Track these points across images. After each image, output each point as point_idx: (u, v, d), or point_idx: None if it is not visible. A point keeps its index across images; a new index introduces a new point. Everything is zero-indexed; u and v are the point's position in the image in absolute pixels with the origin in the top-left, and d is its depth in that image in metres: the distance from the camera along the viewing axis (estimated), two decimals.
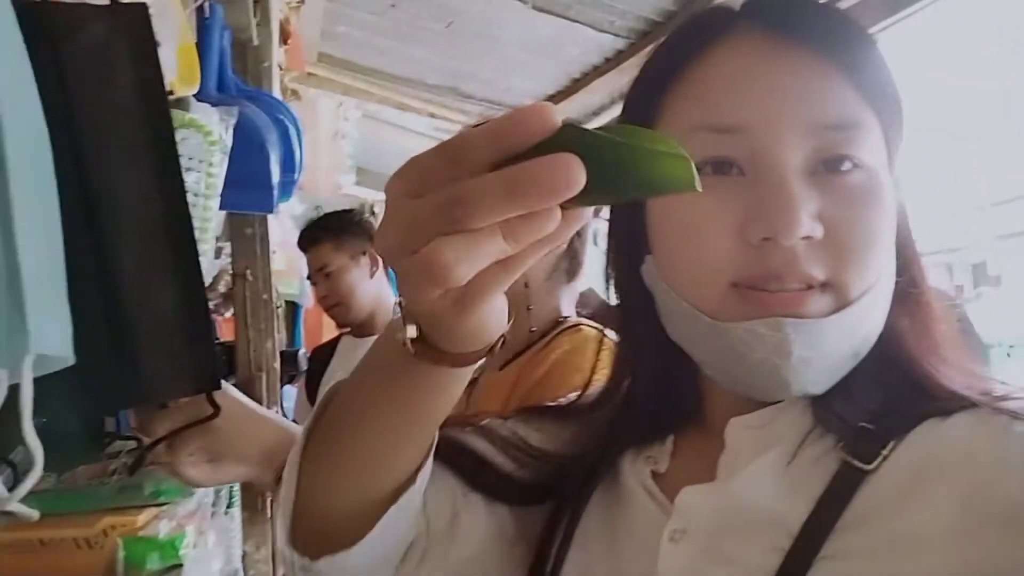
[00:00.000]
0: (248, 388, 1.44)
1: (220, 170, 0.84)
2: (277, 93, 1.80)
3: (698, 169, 0.49)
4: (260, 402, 1.45)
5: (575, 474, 0.61)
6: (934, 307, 0.56)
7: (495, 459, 0.63)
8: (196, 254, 0.51)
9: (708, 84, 0.52)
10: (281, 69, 1.92)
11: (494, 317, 0.42)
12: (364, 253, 2.01)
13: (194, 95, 0.93)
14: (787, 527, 0.48)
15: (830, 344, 0.49)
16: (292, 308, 3.19)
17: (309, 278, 2.09)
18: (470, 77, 2.96)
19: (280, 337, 1.96)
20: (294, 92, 2.51)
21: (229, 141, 0.87)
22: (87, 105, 0.44)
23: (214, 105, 0.91)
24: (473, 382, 1.17)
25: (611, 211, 0.62)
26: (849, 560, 0.46)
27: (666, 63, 0.55)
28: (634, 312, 0.60)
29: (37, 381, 0.37)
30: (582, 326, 1.07)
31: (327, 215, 2.10)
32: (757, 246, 0.49)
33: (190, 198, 0.73)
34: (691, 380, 0.60)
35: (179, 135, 0.66)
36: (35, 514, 0.51)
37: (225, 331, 2.00)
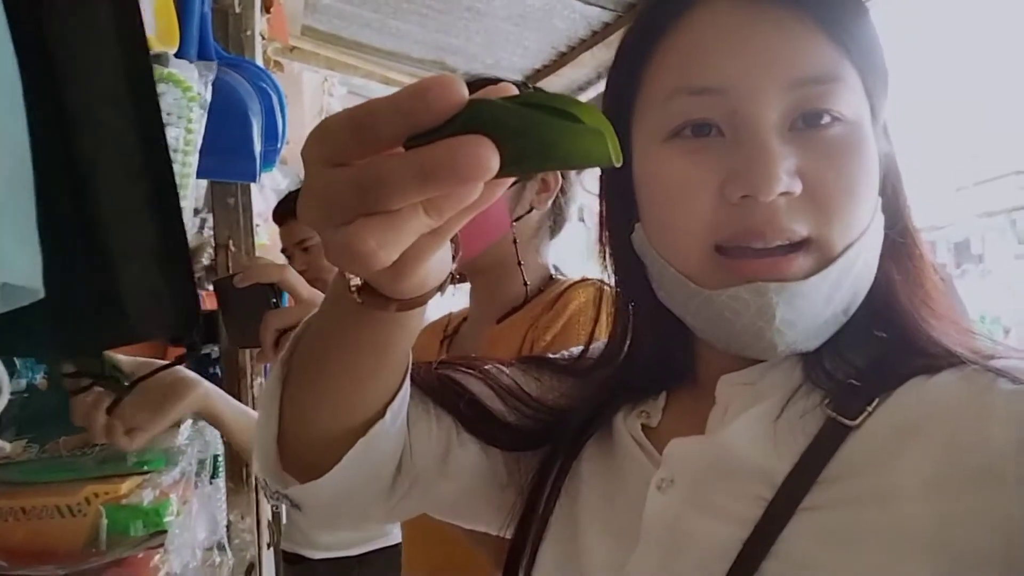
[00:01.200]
0: (230, 359, 1.44)
1: (199, 126, 0.83)
2: (260, 62, 1.78)
3: (677, 132, 0.52)
4: (243, 373, 1.44)
5: (570, 426, 0.63)
6: (926, 259, 0.56)
7: (493, 404, 0.64)
8: (175, 192, 0.50)
9: (684, 49, 0.52)
10: (264, 39, 1.89)
11: (435, 267, 0.41)
12: None
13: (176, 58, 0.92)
14: (771, 479, 0.49)
15: (814, 304, 0.50)
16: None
17: (284, 251, 2.07)
18: (456, 51, 2.93)
19: None
20: (277, 63, 2.48)
21: (208, 97, 0.86)
22: (64, 36, 0.43)
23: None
24: (454, 333, 1.19)
25: (600, 182, 0.63)
26: (829, 511, 0.46)
27: (645, 33, 0.55)
28: (628, 279, 0.62)
29: (10, 315, 0.36)
30: (587, 279, 1.09)
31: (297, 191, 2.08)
32: (737, 204, 0.49)
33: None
34: (685, 342, 0.61)
35: (157, 89, 0.65)
36: None
37: (209, 304, 1.99)
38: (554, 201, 1.11)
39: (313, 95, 4.29)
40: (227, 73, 1.28)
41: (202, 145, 1.06)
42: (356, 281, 0.42)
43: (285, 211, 1.98)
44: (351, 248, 0.31)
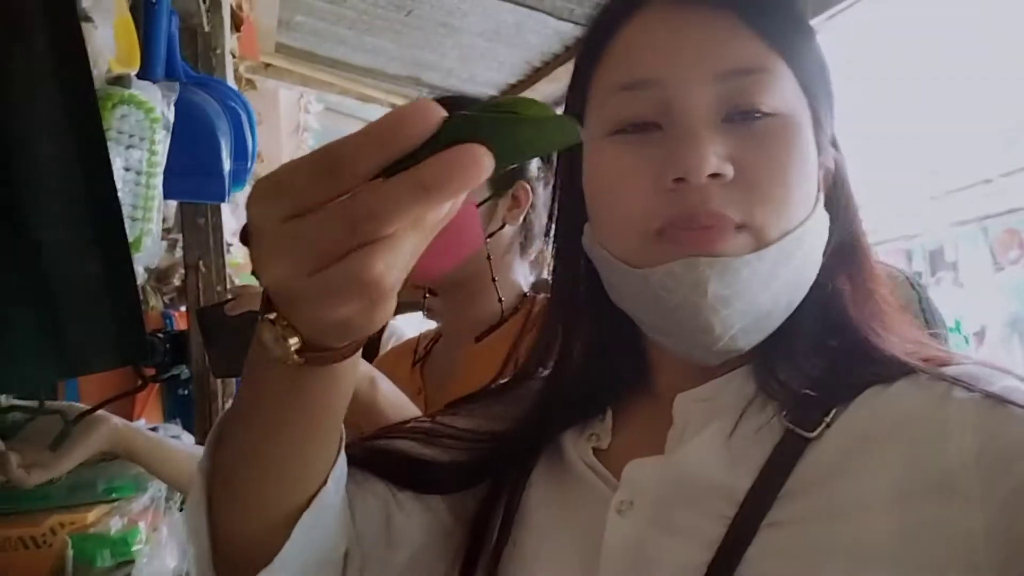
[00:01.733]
0: (201, 381, 1.42)
1: (163, 147, 0.82)
2: (231, 81, 1.77)
3: (620, 131, 0.53)
4: (215, 395, 1.42)
5: (511, 452, 0.61)
6: (876, 271, 0.57)
7: (421, 452, 0.62)
8: (121, 223, 0.49)
9: (622, 51, 0.55)
10: (234, 57, 1.88)
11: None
12: None
13: (140, 79, 0.91)
14: (733, 496, 0.48)
15: (748, 284, 0.50)
16: None
17: (254, 273, 2.04)
18: (431, 67, 2.93)
19: None
20: (249, 81, 2.46)
21: (171, 117, 0.85)
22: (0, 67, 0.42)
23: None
24: (427, 355, 1.17)
25: (554, 188, 0.63)
26: (793, 526, 0.46)
27: (591, 43, 0.57)
28: (577, 283, 0.61)
29: None
30: (534, 295, 1.11)
31: None
32: (672, 189, 0.50)
33: (132, 176, 0.71)
34: (637, 351, 0.61)
35: (119, 112, 0.64)
36: None
37: (181, 326, 1.96)
38: (524, 217, 1.11)
39: (289, 112, 4.28)
40: (195, 93, 1.27)
41: (170, 166, 1.05)
42: (294, 341, 0.38)
43: (247, 235, 1.95)
44: (359, 279, 0.31)
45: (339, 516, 0.54)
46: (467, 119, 0.31)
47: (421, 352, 1.18)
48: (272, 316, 0.38)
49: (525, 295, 1.13)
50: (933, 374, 0.49)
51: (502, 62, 2.81)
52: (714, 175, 0.49)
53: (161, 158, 0.82)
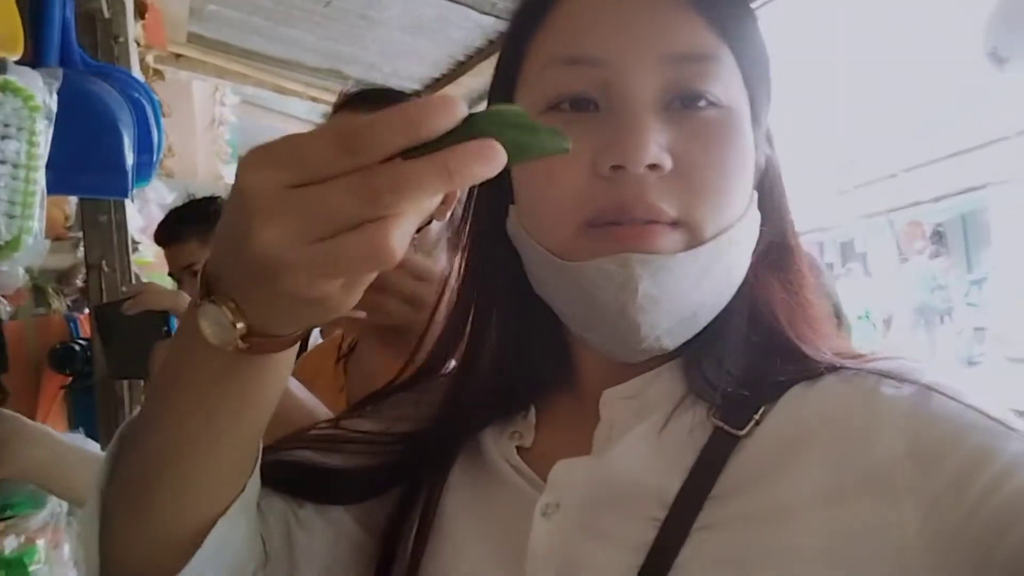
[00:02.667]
0: (108, 387, 1.34)
1: (44, 139, 0.76)
2: (137, 71, 1.68)
3: (555, 106, 0.52)
4: (122, 403, 1.35)
5: (425, 453, 0.58)
6: (804, 272, 0.56)
7: (323, 461, 0.58)
8: None
9: (563, 22, 0.52)
10: (140, 45, 1.79)
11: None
12: None
13: (33, 67, 0.85)
14: (663, 498, 0.47)
15: (680, 283, 0.48)
16: None
17: (171, 275, 1.95)
18: (352, 60, 2.87)
19: None
20: (157, 72, 2.35)
21: (54, 107, 0.79)
22: None
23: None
24: (350, 352, 1.15)
25: None
26: (724, 530, 0.45)
27: (530, 9, 0.55)
28: (495, 269, 0.58)
29: None
30: None
31: (187, 205, 1.93)
32: (608, 177, 0.48)
33: (8, 169, 0.66)
34: (559, 344, 0.59)
35: None
36: None
37: (86, 330, 1.86)
38: (452, 213, 1.11)
39: (204, 105, 4.12)
40: (94, 82, 1.20)
41: (67, 160, 0.98)
42: (240, 325, 0.37)
43: (170, 233, 1.86)
44: (374, 249, 0.32)
45: (252, 531, 0.51)
46: (484, 119, 0.34)
47: (344, 350, 1.16)
48: (215, 298, 0.37)
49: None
50: (858, 369, 0.49)
51: (424, 56, 2.77)
52: (653, 166, 0.47)
53: (43, 150, 0.76)
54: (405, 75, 2.93)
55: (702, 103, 0.49)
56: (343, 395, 1.08)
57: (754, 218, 0.53)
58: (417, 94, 3.02)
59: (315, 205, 0.33)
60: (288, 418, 0.89)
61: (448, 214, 1.11)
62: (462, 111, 0.33)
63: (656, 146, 0.47)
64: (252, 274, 0.35)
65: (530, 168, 0.52)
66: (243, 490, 0.48)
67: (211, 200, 1.94)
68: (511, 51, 0.56)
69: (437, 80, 2.92)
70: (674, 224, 0.48)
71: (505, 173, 0.55)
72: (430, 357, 0.63)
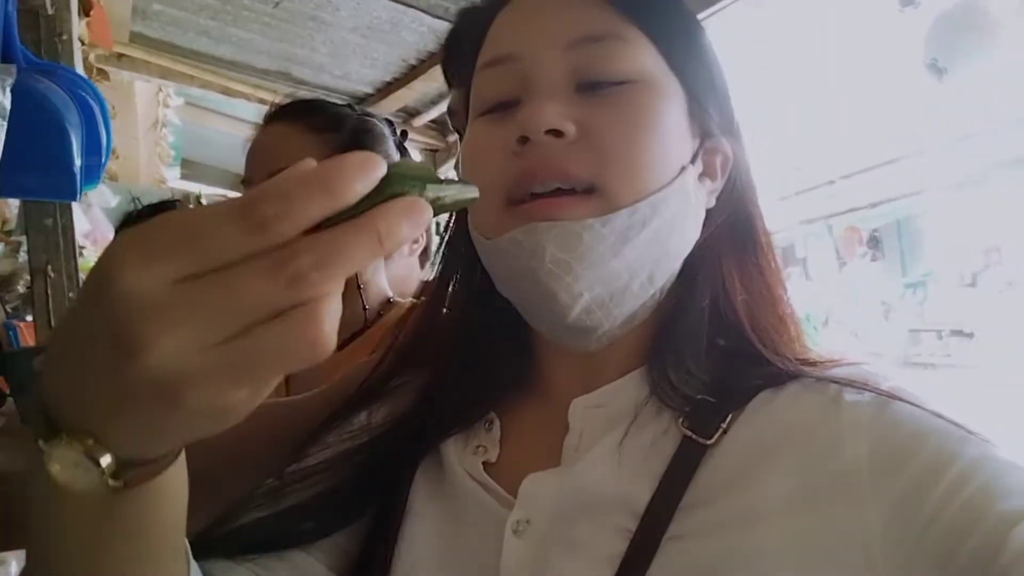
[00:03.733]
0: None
1: None
2: (80, 70, 1.63)
3: (489, 111, 0.54)
4: None
5: (383, 465, 0.57)
6: (775, 267, 0.57)
7: (283, 505, 0.55)
8: None
9: (493, 32, 0.56)
10: (84, 44, 1.73)
11: None
12: None
13: None
14: (632, 509, 0.48)
15: (592, 249, 0.49)
16: None
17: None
18: (302, 62, 2.83)
19: None
20: (101, 72, 2.28)
21: (7, 104, 0.76)
22: None
23: None
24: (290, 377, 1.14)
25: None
26: (695, 539, 0.46)
27: (473, 34, 0.59)
28: (460, 271, 0.60)
29: None
30: (400, 300, 1.12)
31: (151, 209, 1.90)
32: (517, 152, 0.50)
33: None
34: (523, 349, 0.59)
35: None
36: None
37: (28, 338, 1.79)
38: None
39: (147, 106, 4.01)
40: (39, 81, 1.16)
41: (12, 160, 0.95)
42: (106, 460, 0.30)
43: None
44: (304, 339, 0.27)
45: None
46: (398, 176, 0.31)
47: None
48: (64, 437, 0.30)
49: (389, 300, 1.13)
50: (822, 377, 0.51)
51: (376, 59, 2.75)
52: (554, 131, 0.49)
53: None
54: (356, 78, 2.90)
55: (609, 83, 0.51)
56: None
57: (688, 193, 0.53)
58: (368, 97, 3.00)
59: (222, 299, 0.27)
60: None
61: None
62: (382, 170, 0.30)
63: (554, 113, 0.49)
64: (134, 395, 0.28)
65: (466, 165, 0.55)
66: None
67: (170, 203, 1.90)
68: (460, 71, 0.60)
69: (388, 84, 2.90)
70: (588, 192, 0.49)
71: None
72: (391, 365, 0.62)
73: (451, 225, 0.62)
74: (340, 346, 1.07)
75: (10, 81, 0.75)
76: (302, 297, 0.28)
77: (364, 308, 1.07)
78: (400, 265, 1.19)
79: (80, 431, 0.30)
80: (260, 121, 1.11)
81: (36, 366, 0.83)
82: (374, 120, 1.15)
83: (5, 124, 0.74)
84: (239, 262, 0.27)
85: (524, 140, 0.50)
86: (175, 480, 0.35)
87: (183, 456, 0.35)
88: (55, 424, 0.30)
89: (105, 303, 0.27)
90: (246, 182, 1.05)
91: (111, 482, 0.31)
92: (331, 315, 0.28)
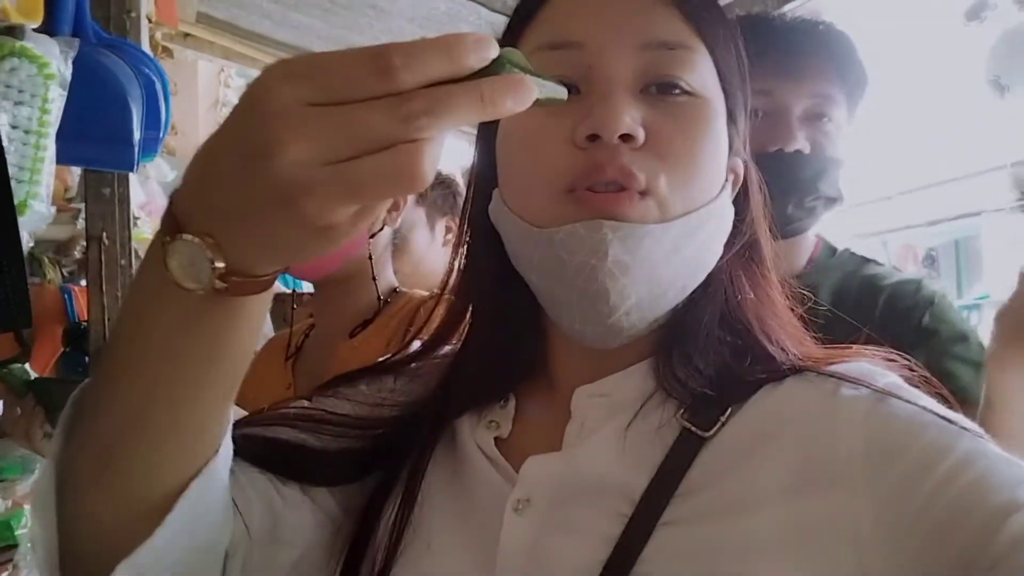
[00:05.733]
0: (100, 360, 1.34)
1: (57, 107, 0.77)
2: (146, 48, 1.68)
3: None
4: None
5: (404, 437, 0.59)
6: (771, 275, 0.59)
7: (306, 441, 0.57)
8: (6, 180, 0.46)
9: (551, 14, 0.55)
10: (151, 22, 1.79)
11: None
12: None
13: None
14: (630, 494, 0.49)
15: (650, 254, 0.50)
16: None
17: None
18: (359, 46, 2.88)
19: None
20: (166, 49, 2.35)
21: (68, 75, 0.80)
22: None
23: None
24: (299, 351, 1.18)
25: (473, 158, 0.63)
26: (687, 525, 0.47)
27: (524, 7, 0.58)
28: (481, 254, 0.60)
29: None
30: (405, 291, 1.18)
31: None
32: (583, 147, 0.50)
33: (19, 134, 0.67)
34: (538, 334, 0.60)
35: (7, 64, 0.60)
36: None
37: (81, 302, 1.86)
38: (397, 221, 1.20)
39: (208, 85, 4.11)
40: (105, 55, 1.20)
41: (75, 130, 0.99)
42: (219, 264, 0.35)
43: None
44: (406, 170, 0.32)
45: (224, 500, 0.50)
46: (508, 61, 0.34)
47: (292, 348, 1.21)
48: (188, 234, 0.34)
49: (395, 291, 1.19)
50: (821, 372, 0.52)
51: None
52: (626, 136, 0.49)
53: (54, 117, 0.77)
54: None
55: (676, 90, 0.52)
56: (290, 392, 1.12)
57: (726, 209, 0.55)
58: None
59: (346, 124, 0.31)
60: None
61: (398, 220, 1.20)
62: (495, 51, 0.33)
63: (629, 118, 0.49)
64: (260, 199, 0.33)
65: (512, 146, 0.55)
66: (216, 452, 0.46)
67: None
68: (507, 41, 0.58)
69: None
70: (643, 194, 0.50)
71: (492, 159, 0.57)
72: (425, 343, 0.64)
73: (472, 206, 0.62)
74: (351, 334, 1.12)
75: (72, 54, 0.79)
76: (411, 135, 0.32)
77: (379, 299, 1.13)
78: (434, 259, 1.25)
79: (203, 232, 0.34)
80: None
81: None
82: None
83: (65, 94, 0.78)
84: (364, 98, 0.31)
85: (594, 138, 0.49)
86: (258, 310, 0.40)
87: (269, 297, 0.40)
88: (181, 225, 0.35)
89: (247, 114, 0.32)
90: None
91: (217, 283, 0.35)
92: (431, 155, 0.32)
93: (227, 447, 0.48)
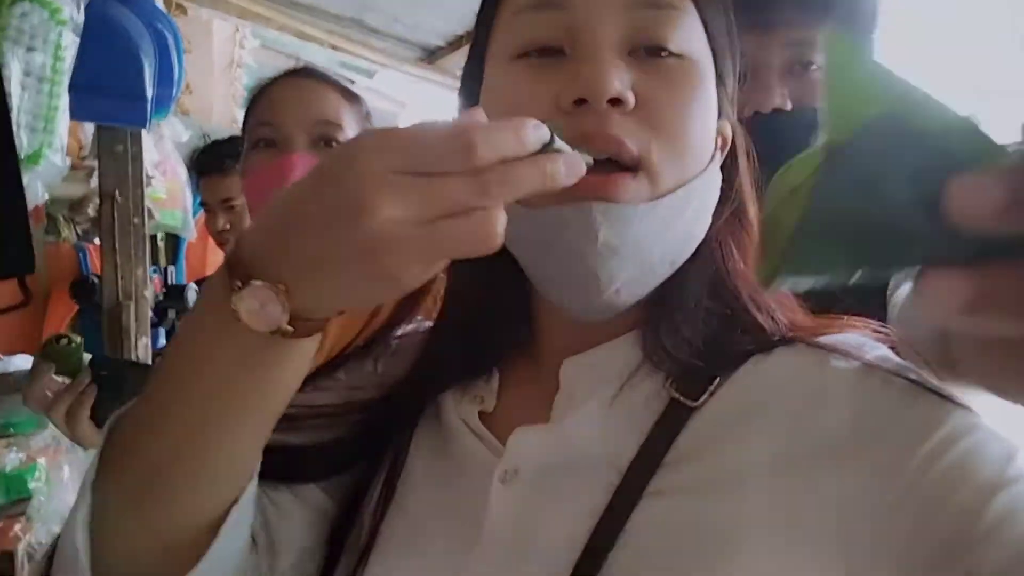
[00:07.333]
0: (115, 317, 1.35)
1: (70, 53, 0.75)
2: (159, 2, 1.66)
3: (524, 54, 0.52)
4: (128, 332, 1.36)
5: (389, 419, 0.58)
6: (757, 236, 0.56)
7: (287, 440, 0.56)
8: (8, 127, 0.45)
9: None
10: None
11: None
12: None
13: None
14: (617, 464, 0.48)
15: (640, 235, 0.48)
16: (173, 241, 3.00)
17: (203, 204, 1.94)
18: (376, 9, 2.83)
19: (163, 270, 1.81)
20: (179, 7, 2.33)
21: (80, 21, 0.78)
22: None
23: None
24: None
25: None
26: (675, 495, 0.46)
27: None
28: None
29: None
30: None
31: (235, 140, 1.93)
32: (570, 111, 0.48)
33: (32, 82, 0.66)
34: (524, 307, 0.58)
35: (18, 9, 0.59)
36: None
37: (95, 259, 1.87)
38: None
39: (223, 45, 4.07)
40: (117, 8, 1.19)
41: (86, 83, 0.98)
42: (288, 309, 0.37)
43: (213, 163, 1.82)
44: (482, 233, 0.36)
45: (251, 519, 0.51)
46: (556, 133, 0.39)
47: None
48: (262, 281, 0.37)
49: None
50: (810, 343, 0.50)
51: (450, 12, 2.73)
52: (615, 101, 0.47)
53: (68, 65, 0.75)
54: (428, 29, 2.89)
55: (665, 52, 0.50)
56: None
57: (715, 177, 0.53)
58: (439, 50, 2.99)
59: (433, 192, 0.35)
60: None
61: None
62: (547, 133, 0.38)
63: (619, 81, 0.47)
64: (344, 252, 0.35)
65: (494, 109, 0.51)
66: (251, 480, 0.48)
67: (239, 140, 1.92)
68: (487, 6, 0.56)
69: (460, 37, 2.88)
70: (634, 167, 0.48)
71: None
72: (391, 316, 0.62)
73: None
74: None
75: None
76: (485, 202, 0.36)
77: None
78: None
79: (276, 278, 0.37)
80: (332, 67, 1.14)
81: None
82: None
83: (78, 40, 0.76)
84: (446, 171, 0.35)
85: (581, 102, 0.47)
86: (311, 347, 0.42)
87: (318, 340, 0.42)
88: (251, 270, 0.37)
89: (341, 176, 0.35)
90: (266, 124, 1.04)
91: (285, 327, 0.38)
92: (501, 220, 0.36)
93: (255, 476, 0.49)
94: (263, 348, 0.40)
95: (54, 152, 0.72)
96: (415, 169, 0.35)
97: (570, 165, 0.38)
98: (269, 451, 0.50)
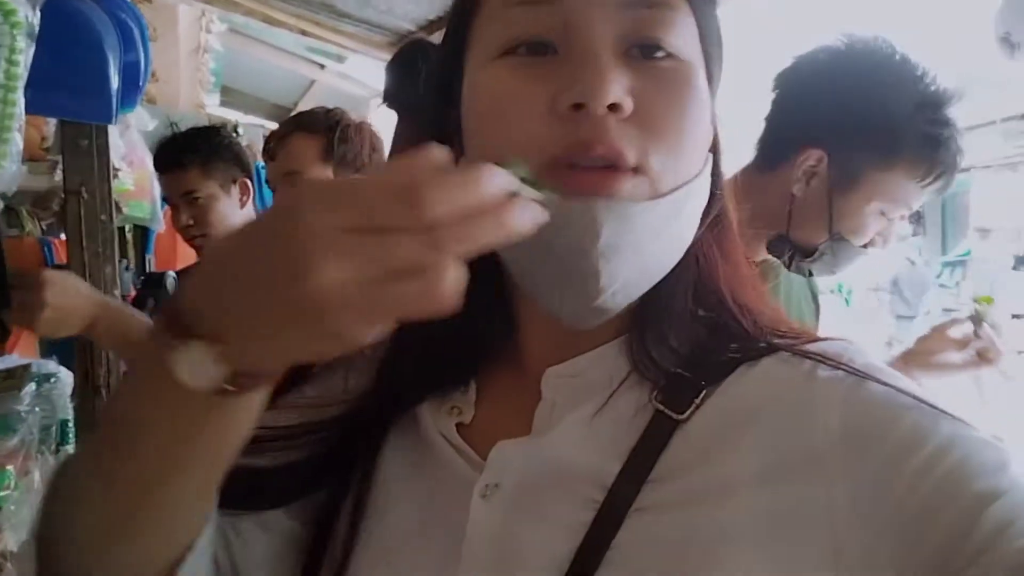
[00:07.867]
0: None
1: (25, 58, 0.72)
2: None
3: (512, 50, 0.50)
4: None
5: (358, 432, 0.56)
6: (739, 245, 0.56)
7: (251, 464, 0.53)
8: None
9: None
10: None
11: None
12: (235, 181, 1.83)
13: None
14: (602, 480, 0.47)
15: (640, 235, 0.47)
16: (142, 233, 2.94)
17: (167, 200, 1.90)
18: None
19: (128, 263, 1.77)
20: None
21: (36, 23, 0.75)
22: None
23: None
24: None
25: (421, 122, 0.59)
26: (660, 511, 0.46)
27: None
28: None
29: None
30: None
31: (191, 133, 1.87)
32: (567, 116, 0.46)
33: None
34: (505, 314, 0.57)
35: None
36: None
37: (61, 254, 1.82)
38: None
39: (189, 30, 3.98)
40: (80, 0, 1.15)
41: (49, 80, 0.94)
42: (228, 368, 0.36)
43: (172, 159, 1.78)
44: (435, 291, 0.33)
45: (210, 562, 0.50)
46: (518, 174, 0.38)
47: None
48: (197, 339, 0.35)
49: None
50: (797, 352, 0.50)
51: None
52: (614, 106, 0.45)
53: (23, 70, 0.72)
54: (400, 13, 2.84)
55: (660, 53, 0.48)
56: None
57: (706, 181, 0.52)
58: (410, 35, 2.95)
59: (379, 250, 0.33)
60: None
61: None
62: (508, 179, 0.36)
63: (618, 86, 0.46)
64: (287, 313, 0.33)
65: (483, 110, 0.51)
66: (206, 522, 0.47)
67: (214, 130, 1.88)
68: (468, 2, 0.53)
69: (432, 22, 2.84)
70: (633, 171, 0.47)
71: (454, 123, 0.53)
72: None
73: None
74: None
75: (40, 0, 0.74)
76: (437, 259, 0.33)
77: None
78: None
79: (215, 337, 0.35)
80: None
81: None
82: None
83: (33, 44, 0.73)
84: (395, 227, 0.33)
85: (578, 107, 0.45)
86: (258, 400, 0.40)
87: (265, 391, 0.40)
88: (190, 329, 0.35)
89: (283, 234, 0.33)
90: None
91: (226, 385, 0.36)
92: (454, 277, 0.34)
93: (213, 516, 0.48)
94: (205, 407, 0.38)
95: (9, 161, 0.69)
96: (362, 226, 0.33)
97: (529, 212, 0.36)
98: (230, 477, 0.48)
